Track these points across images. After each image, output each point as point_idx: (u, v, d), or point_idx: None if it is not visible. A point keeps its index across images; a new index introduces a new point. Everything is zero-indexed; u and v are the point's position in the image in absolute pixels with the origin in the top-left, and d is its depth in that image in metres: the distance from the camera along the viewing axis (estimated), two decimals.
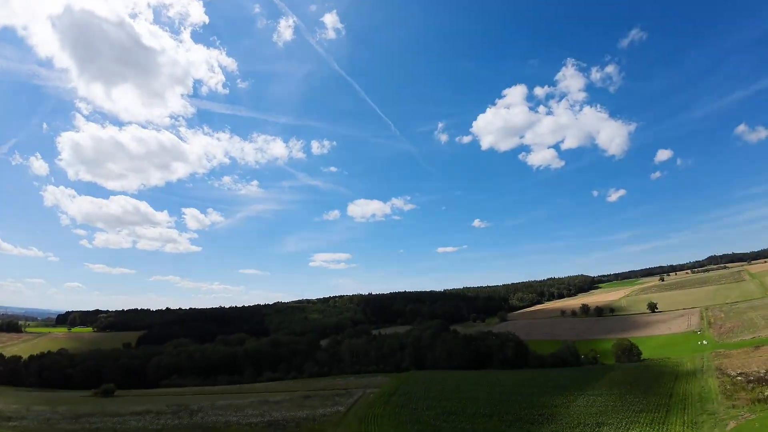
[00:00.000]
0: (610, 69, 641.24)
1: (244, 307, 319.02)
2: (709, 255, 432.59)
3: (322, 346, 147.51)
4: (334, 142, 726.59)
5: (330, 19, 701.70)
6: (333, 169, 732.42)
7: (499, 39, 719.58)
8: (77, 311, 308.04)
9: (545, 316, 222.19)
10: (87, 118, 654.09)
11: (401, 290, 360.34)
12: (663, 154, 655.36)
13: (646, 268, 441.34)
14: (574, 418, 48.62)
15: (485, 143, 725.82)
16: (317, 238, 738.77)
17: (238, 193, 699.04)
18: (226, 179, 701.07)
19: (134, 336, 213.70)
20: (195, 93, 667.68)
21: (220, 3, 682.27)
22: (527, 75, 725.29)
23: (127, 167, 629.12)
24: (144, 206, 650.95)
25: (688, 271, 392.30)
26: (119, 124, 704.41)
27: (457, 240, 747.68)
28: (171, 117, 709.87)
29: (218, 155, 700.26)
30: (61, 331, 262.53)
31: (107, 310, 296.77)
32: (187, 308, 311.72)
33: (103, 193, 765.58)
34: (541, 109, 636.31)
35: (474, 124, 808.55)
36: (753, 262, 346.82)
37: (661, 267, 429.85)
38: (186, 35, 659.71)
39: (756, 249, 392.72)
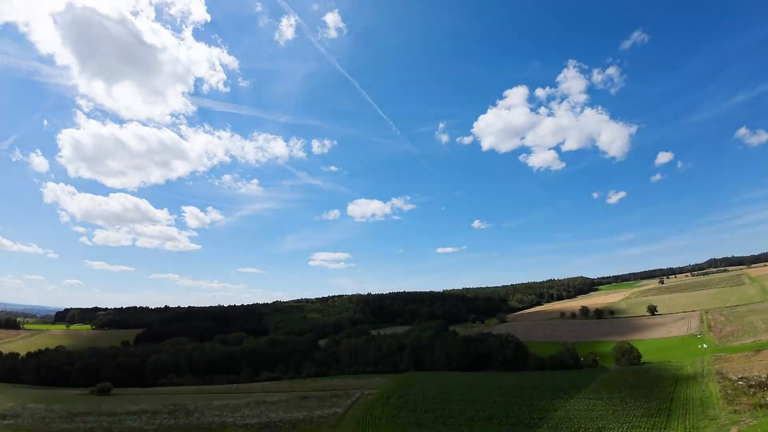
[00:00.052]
0: (611, 71, 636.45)
1: (243, 305, 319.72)
2: (709, 258, 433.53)
3: (321, 345, 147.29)
4: (335, 142, 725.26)
5: (332, 19, 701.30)
6: (333, 168, 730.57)
7: (501, 40, 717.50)
8: (76, 308, 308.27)
9: (545, 317, 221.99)
10: (88, 115, 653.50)
11: (400, 290, 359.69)
12: (664, 157, 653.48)
13: (646, 271, 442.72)
14: (574, 422, 48.08)
15: (486, 144, 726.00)
16: (317, 238, 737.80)
17: (238, 191, 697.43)
18: (227, 178, 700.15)
19: (133, 334, 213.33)
20: (196, 91, 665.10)
21: (222, 1, 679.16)
22: (528, 76, 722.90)
23: (128, 165, 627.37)
24: (144, 204, 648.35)
25: (688, 274, 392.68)
26: (120, 121, 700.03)
27: (456, 240, 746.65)
28: (172, 115, 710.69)
29: (219, 153, 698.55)
30: (59, 328, 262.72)
31: (106, 308, 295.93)
32: (186, 306, 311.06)
33: (103, 190, 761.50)
34: (542, 110, 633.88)
35: (475, 124, 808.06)
36: (753, 265, 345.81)
37: (660, 269, 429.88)
38: (187, 33, 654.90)
39: (756, 252, 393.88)
